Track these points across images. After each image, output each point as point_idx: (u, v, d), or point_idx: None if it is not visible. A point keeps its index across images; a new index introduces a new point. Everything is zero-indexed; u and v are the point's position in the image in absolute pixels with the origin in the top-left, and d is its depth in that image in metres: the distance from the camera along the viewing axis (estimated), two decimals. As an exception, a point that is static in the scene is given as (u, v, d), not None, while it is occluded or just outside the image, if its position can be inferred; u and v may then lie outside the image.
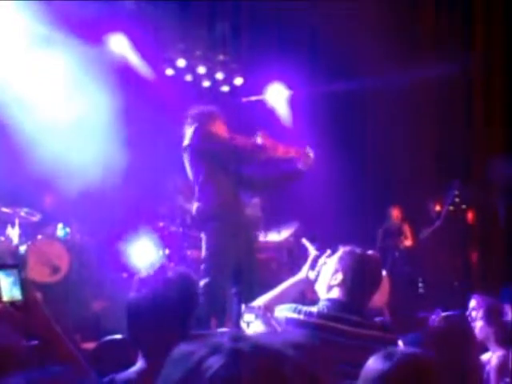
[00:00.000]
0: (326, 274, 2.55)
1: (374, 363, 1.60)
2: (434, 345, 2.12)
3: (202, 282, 3.92)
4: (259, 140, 4.09)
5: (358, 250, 2.58)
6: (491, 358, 2.85)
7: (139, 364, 1.96)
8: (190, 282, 2.10)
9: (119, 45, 7.36)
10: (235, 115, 5.52)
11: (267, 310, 2.33)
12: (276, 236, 6.36)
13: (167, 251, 6.00)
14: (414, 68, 7.08)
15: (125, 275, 5.65)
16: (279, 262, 5.92)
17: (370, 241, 6.84)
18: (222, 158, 4.10)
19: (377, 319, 2.66)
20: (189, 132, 4.19)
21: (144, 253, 5.83)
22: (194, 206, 4.22)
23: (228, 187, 4.11)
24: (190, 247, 5.96)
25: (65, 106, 6.12)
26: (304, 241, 2.83)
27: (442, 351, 2.09)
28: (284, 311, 2.42)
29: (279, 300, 2.54)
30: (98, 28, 6.93)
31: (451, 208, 6.20)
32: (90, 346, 3.93)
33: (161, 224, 6.25)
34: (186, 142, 4.20)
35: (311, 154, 4.17)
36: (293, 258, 5.78)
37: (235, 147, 4.10)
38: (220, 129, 4.23)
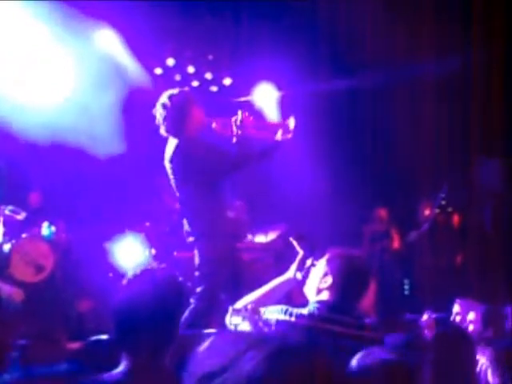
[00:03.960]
0: (315, 277, 2.54)
1: (352, 363, 1.61)
2: (432, 346, 2.12)
3: (198, 289, 3.89)
4: (239, 116, 3.97)
5: (347, 253, 2.58)
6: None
7: (124, 364, 1.94)
8: (177, 283, 2.09)
9: (108, 40, 7.30)
10: (223, 115, 5.46)
11: (254, 312, 2.31)
12: (263, 238, 6.35)
13: (154, 251, 5.96)
14: (407, 67, 7.10)
15: (111, 275, 5.61)
16: (265, 263, 5.90)
17: (357, 242, 6.85)
18: (209, 173, 3.97)
19: (366, 320, 2.65)
20: (171, 145, 4.00)
21: (130, 253, 5.78)
22: (185, 223, 4.11)
23: (216, 197, 4.02)
24: (177, 247, 5.93)
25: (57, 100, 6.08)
26: (292, 240, 2.81)
27: (441, 353, 2.09)
28: (274, 313, 2.41)
29: (266, 300, 2.52)
30: (88, 21, 6.87)
31: (437, 211, 6.23)
32: (74, 345, 3.89)
33: (147, 224, 6.21)
34: (169, 155, 4.00)
35: (292, 124, 4.05)
36: (280, 259, 5.76)
37: (222, 156, 3.98)
38: (197, 114, 4.06)
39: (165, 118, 3.96)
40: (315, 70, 7.87)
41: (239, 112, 3.98)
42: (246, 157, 3.98)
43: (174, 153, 3.95)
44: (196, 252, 4.03)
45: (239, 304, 2.46)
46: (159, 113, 3.99)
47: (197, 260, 4.02)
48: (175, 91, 4.06)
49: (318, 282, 2.52)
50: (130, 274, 2.08)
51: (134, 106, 6.74)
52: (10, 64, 6.10)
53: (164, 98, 4.00)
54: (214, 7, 7.90)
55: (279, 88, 8.39)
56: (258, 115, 4.08)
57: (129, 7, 7.04)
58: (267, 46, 7.73)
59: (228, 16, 7.96)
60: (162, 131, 4.02)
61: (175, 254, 5.88)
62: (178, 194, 4.14)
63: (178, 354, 2.01)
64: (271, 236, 6.38)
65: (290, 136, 4.05)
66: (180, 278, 2.19)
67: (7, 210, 5.55)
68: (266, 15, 7.81)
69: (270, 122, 4.17)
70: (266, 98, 8.40)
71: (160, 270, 2.15)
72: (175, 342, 2.01)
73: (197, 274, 4.00)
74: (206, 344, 1.06)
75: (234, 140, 3.97)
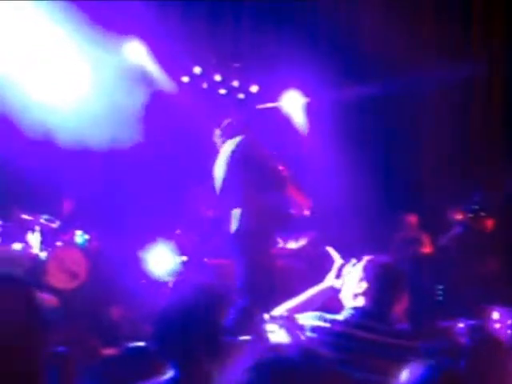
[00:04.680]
0: (351, 283, 2.56)
1: (413, 374, 1.58)
2: (469, 354, 2.11)
3: (239, 299, 3.93)
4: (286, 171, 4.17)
5: (382, 259, 2.60)
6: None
7: (171, 373, 1.96)
8: (215, 291, 2.11)
9: (136, 51, 7.42)
10: (251, 122, 5.52)
11: (290, 319, 2.33)
12: (293, 244, 6.36)
13: (185, 258, 6.02)
14: (434, 70, 7.06)
15: (143, 282, 5.67)
16: (296, 269, 5.90)
17: (388, 249, 6.80)
18: (265, 172, 4.09)
19: (400, 327, 2.65)
20: (234, 140, 4.17)
21: (162, 260, 5.85)
22: (234, 224, 4.16)
23: (264, 203, 4.11)
24: (208, 255, 5.98)
25: (83, 110, 6.19)
26: (329, 249, 2.83)
27: (478, 361, 2.08)
28: (309, 319, 2.42)
29: (303, 309, 2.54)
30: (116, 33, 6.99)
31: (470, 215, 6.17)
32: (109, 352, 3.94)
33: (178, 231, 6.27)
34: (231, 147, 4.16)
35: (308, 211, 4.22)
36: (311, 266, 5.76)
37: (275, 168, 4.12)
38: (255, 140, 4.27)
39: (226, 130, 4.15)
40: (341, 77, 7.88)
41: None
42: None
43: (235, 148, 4.08)
44: (237, 263, 4.08)
45: (276, 311, 2.49)
46: (223, 125, 4.18)
47: (238, 270, 4.06)
48: (239, 120, 4.28)
49: (353, 288, 2.53)
50: (167, 281, 2.11)
51: (164, 115, 6.84)
52: (39, 69, 6.24)
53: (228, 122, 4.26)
54: (238, 16, 7.98)
55: (305, 95, 8.41)
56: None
57: (155, 17, 7.16)
58: (293, 52, 7.76)
59: (253, 24, 8.02)
60: (219, 144, 4.19)
61: (206, 260, 5.93)
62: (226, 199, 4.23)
63: (219, 361, 2.04)
64: (301, 242, 6.39)
65: (305, 213, 4.21)
66: (218, 286, 2.22)
67: (43, 218, 5.68)
68: (290, 22, 7.85)
69: (302, 198, 4.32)
70: (292, 104, 8.43)
71: (198, 278, 2.17)
72: (217, 349, 2.03)
73: (238, 283, 4.04)
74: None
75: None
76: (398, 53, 7.12)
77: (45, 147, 5.99)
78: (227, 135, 4.26)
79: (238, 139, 4.18)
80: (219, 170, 4.22)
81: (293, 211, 4.22)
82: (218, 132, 4.32)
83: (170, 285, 1.86)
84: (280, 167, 4.21)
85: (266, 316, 2.43)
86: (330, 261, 3.11)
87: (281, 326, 2.31)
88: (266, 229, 4.16)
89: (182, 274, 5.63)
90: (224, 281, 4.79)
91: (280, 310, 2.51)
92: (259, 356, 1.09)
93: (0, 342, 1.11)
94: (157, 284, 5.24)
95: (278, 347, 1.17)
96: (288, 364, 1.00)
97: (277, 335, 2.31)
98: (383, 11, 7.28)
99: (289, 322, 2.29)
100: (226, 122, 4.32)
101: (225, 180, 4.17)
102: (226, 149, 4.22)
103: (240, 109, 4.47)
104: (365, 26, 7.31)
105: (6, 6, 5.74)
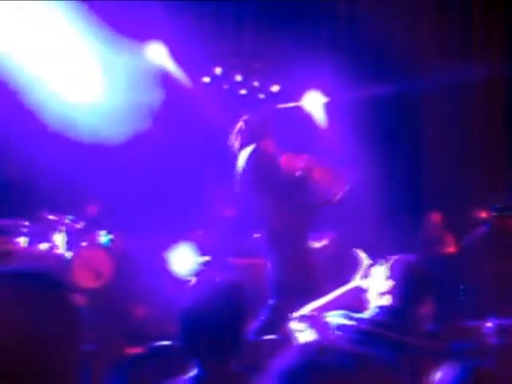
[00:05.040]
0: (378, 282, 2.56)
1: (445, 375, 1.58)
2: (500, 354, 2.10)
3: (269, 300, 3.94)
4: (307, 160, 4.09)
5: (408, 258, 2.59)
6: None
7: (195, 371, 1.98)
8: (239, 289, 2.11)
9: (157, 53, 7.47)
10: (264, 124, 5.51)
11: (318, 319, 2.34)
12: (316, 244, 6.34)
13: (207, 258, 6.05)
14: (461, 68, 6.99)
15: (166, 281, 5.72)
16: (320, 269, 5.89)
17: (412, 248, 6.76)
18: (279, 186, 4.05)
19: (427, 327, 2.64)
20: (246, 151, 4.13)
21: (184, 260, 5.89)
22: (258, 232, 4.18)
23: (286, 206, 4.08)
24: (231, 254, 6.00)
25: (103, 109, 6.26)
26: (356, 249, 2.84)
27: (508, 361, 2.06)
28: (335, 318, 2.43)
29: (330, 308, 2.54)
30: (137, 34, 7.06)
31: (495, 214, 6.10)
32: (134, 350, 3.98)
33: (200, 232, 6.30)
34: (242, 162, 4.11)
35: (346, 191, 4.17)
36: (334, 266, 5.75)
37: (291, 177, 4.08)
38: (269, 146, 4.19)
39: (241, 132, 4.11)
40: (362, 76, 7.84)
41: (308, 156, 4.09)
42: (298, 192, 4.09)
43: (249, 157, 4.06)
44: (268, 263, 4.08)
45: (304, 311, 2.50)
46: (238, 128, 4.15)
47: (269, 271, 4.06)
48: (258, 116, 4.23)
49: (380, 287, 2.53)
50: (191, 280, 2.12)
51: (185, 115, 6.88)
52: (61, 68, 6.33)
53: (244, 117, 4.17)
54: (258, 16, 7.98)
55: (326, 94, 8.39)
56: (325, 167, 4.20)
57: (176, 19, 7.20)
58: (312, 52, 7.75)
59: (273, 23, 8.02)
60: (236, 146, 4.16)
61: (229, 260, 5.95)
62: (246, 204, 4.22)
63: (245, 360, 2.05)
64: (324, 242, 6.38)
65: (337, 201, 4.16)
66: (242, 285, 2.22)
67: (68, 219, 5.76)
68: (308, 20, 7.83)
69: (333, 179, 4.25)
70: (313, 104, 8.42)
71: (221, 277, 2.18)
72: (242, 348, 2.04)
73: (269, 284, 4.04)
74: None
75: (296, 175, 4.08)
76: (417, 51, 7.07)
77: (69, 148, 6.08)
78: (241, 141, 4.19)
79: (249, 149, 4.13)
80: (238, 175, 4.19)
81: (324, 198, 4.14)
82: (232, 137, 4.27)
83: (194, 284, 1.88)
84: (299, 164, 4.14)
85: (294, 315, 2.45)
86: (353, 261, 3.10)
87: (309, 326, 2.31)
88: (297, 227, 4.14)
89: (205, 274, 5.66)
90: (249, 280, 4.80)
91: (307, 310, 2.52)
92: (292, 358, 1.09)
93: (38, 343, 1.12)
94: (180, 283, 5.28)
95: (308, 347, 1.17)
96: (325, 368, 1.00)
97: (305, 334, 2.32)
98: (402, 10, 7.24)
99: (316, 321, 2.30)
100: (238, 126, 4.24)
101: (243, 189, 4.15)
102: (242, 158, 4.16)
103: (252, 111, 4.35)
104: (384, 25, 7.27)
105: (29, 5, 5.83)
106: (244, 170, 4.07)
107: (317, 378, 0.98)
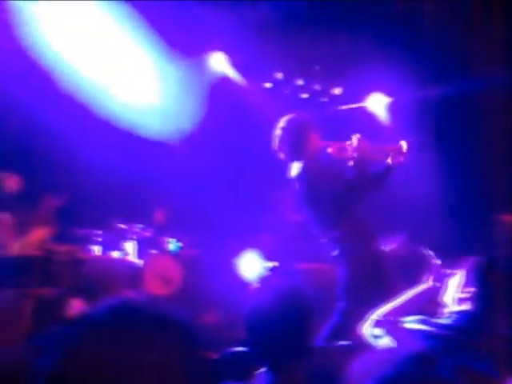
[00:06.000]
0: (455, 286, 2.48)
1: None
2: None
3: (340, 304, 3.90)
4: (354, 140, 3.97)
5: (487, 261, 2.50)
6: None
7: (267, 376, 1.99)
8: (302, 294, 2.10)
9: (219, 62, 7.58)
10: (333, 124, 5.46)
11: (395, 323, 2.29)
12: (386, 246, 6.24)
13: (274, 263, 6.06)
14: None
15: (236, 287, 5.76)
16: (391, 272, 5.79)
17: (484, 250, 6.54)
18: (339, 190, 3.98)
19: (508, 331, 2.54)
20: (295, 168, 4.03)
21: (252, 265, 5.92)
22: (326, 236, 4.12)
23: (349, 218, 4.01)
24: (298, 259, 5.98)
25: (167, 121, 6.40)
26: (426, 251, 2.77)
27: None
28: (412, 323, 2.37)
29: (404, 312, 2.49)
30: (199, 45, 7.19)
31: None
32: (209, 356, 4.02)
33: (267, 236, 6.32)
34: (296, 180, 4.02)
35: (404, 147, 4.01)
36: (404, 267, 5.63)
37: (338, 179, 3.99)
38: (314, 139, 4.08)
39: (282, 143, 4.03)
40: (423, 76, 7.69)
41: (354, 136, 3.99)
42: (363, 180, 3.97)
43: (298, 176, 4.00)
44: (338, 268, 4.03)
45: (378, 315, 2.45)
46: (277, 138, 4.06)
47: (340, 276, 4.01)
48: (292, 116, 4.12)
49: (457, 291, 2.46)
50: (258, 286, 2.12)
51: (249, 122, 6.93)
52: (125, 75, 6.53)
53: (281, 124, 4.07)
54: (318, 19, 7.94)
55: (389, 95, 8.27)
56: (372, 139, 4.07)
57: (236, 27, 7.28)
58: (373, 53, 7.65)
59: (332, 26, 7.97)
60: (281, 156, 4.10)
61: (296, 265, 5.94)
62: (307, 216, 4.18)
63: (315, 366, 2.04)
64: (392, 244, 6.26)
65: (402, 159, 4.01)
66: (305, 289, 2.21)
67: (137, 227, 5.93)
68: (367, 22, 7.74)
69: (384, 145, 4.13)
70: (377, 104, 8.32)
71: (287, 282, 2.18)
72: (311, 353, 2.02)
73: (339, 289, 3.99)
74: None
75: (351, 163, 3.98)
76: (480, 51, 6.86)
77: (136, 157, 6.25)
78: (284, 150, 4.11)
79: (297, 167, 4.02)
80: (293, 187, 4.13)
81: (392, 162, 4.02)
82: (274, 144, 4.16)
83: (260, 290, 1.88)
84: (348, 151, 4.02)
85: (370, 320, 2.41)
86: (423, 262, 3.02)
87: (385, 331, 2.27)
88: (366, 228, 4.08)
89: (271, 279, 5.67)
90: (316, 285, 4.76)
91: (381, 313, 2.47)
92: (374, 365, 1.07)
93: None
94: (249, 289, 5.31)
95: (389, 354, 1.15)
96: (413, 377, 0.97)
97: (382, 340, 2.28)
98: (461, 10, 7.05)
99: (394, 327, 2.25)
100: (276, 133, 4.07)
101: (303, 205, 4.11)
102: (293, 171, 4.09)
103: (290, 115, 4.19)
104: (445, 25, 7.09)
105: (94, 16, 6.06)
106: (299, 190, 4.04)
107: None
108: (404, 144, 4.01)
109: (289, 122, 4.05)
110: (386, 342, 2.28)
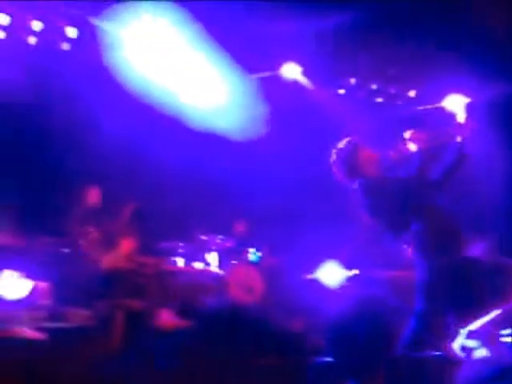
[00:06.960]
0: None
1: None
2: None
3: (417, 309, 3.86)
4: (408, 137, 3.95)
5: None
6: None
7: None
8: (383, 302, 2.07)
9: (291, 71, 7.64)
10: (409, 125, 5.36)
11: (492, 335, 2.23)
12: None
13: (354, 272, 6.03)
14: None
15: (317, 295, 5.76)
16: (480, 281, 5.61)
17: None
18: (402, 200, 3.96)
19: None
20: (355, 188, 4.07)
21: (333, 274, 5.92)
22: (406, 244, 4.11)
23: (428, 221, 3.98)
24: (377, 266, 5.93)
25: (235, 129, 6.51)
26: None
27: None
28: (509, 336, 2.31)
29: (502, 323, 2.42)
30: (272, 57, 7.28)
31: None
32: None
33: (346, 246, 6.29)
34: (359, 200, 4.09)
35: (465, 123, 3.95)
36: (491, 277, 5.44)
37: (406, 181, 3.97)
38: (366, 157, 4.09)
39: (338, 173, 4.09)
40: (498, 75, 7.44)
41: (406, 133, 3.97)
42: (434, 169, 3.95)
43: (362, 197, 4.03)
44: (416, 273, 3.99)
45: (473, 327, 2.39)
46: (334, 170, 4.14)
47: (417, 280, 3.97)
48: (340, 145, 4.16)
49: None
50: (340, 295, 2.12)
51: (327, 132, 6.93)
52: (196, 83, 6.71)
53: (333, 156, 4.14)
54: (389, 22, 7.84)
55: (466, 95, 8.04)
56: (424, 128, 4.06)
57: (309, 36, 7.31)
58: (448, 53, 7.48)
59: (406, 29, 7.84)
60: (341, 181, 4.16)
61: (377, 273, 5.88)
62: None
63: (396, 375, 2.01)
64: (477, 251, 6.06)
65: (467, 133, 3.95)
66: (386, 297, 2.19)
67: (218, 238, 6.06)
68: (444, 23, 7.56)
69: (441, 129, 4.11)
70: (455, 105, 8.10)
71: (368, 290, 2.16)
72: (391, 363, 2.00)
73: (416, 294, 3.95)
74: None
75: (414, 157, 3.96)
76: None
77: (218, 170, 6.39)
78: (344, 181, 4.13)
79: (360, 185, 4.01)
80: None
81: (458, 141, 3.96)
82: (333, 169, 4.20)
83: (340, 299, 1.88)
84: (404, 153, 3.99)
85: (464, 331, 2.35)
86: (507, 273, 2.92)
87: (481, 343, 2.22)
88: (449, 235, 4.00)
89: (352, 288, 5.64)
90: (396, 292, 4.70)
91: (477, 325, 2.41)
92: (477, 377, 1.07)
93: None
94: (329, 297, 5.30)
95: (488, 366, 1.14)
96: None
97: (479, 352, 2.23)
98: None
99: (491, 339, 2.19)
100: (332, 159, 4.08)
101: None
102: (356, 193, 4.12)
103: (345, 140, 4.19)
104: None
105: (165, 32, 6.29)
106: (366, 210, 4.05)
107: None
108: (461, 117, 3.97)
109: (338, 152, 4.11)
110: (482, 353, 2.22)
